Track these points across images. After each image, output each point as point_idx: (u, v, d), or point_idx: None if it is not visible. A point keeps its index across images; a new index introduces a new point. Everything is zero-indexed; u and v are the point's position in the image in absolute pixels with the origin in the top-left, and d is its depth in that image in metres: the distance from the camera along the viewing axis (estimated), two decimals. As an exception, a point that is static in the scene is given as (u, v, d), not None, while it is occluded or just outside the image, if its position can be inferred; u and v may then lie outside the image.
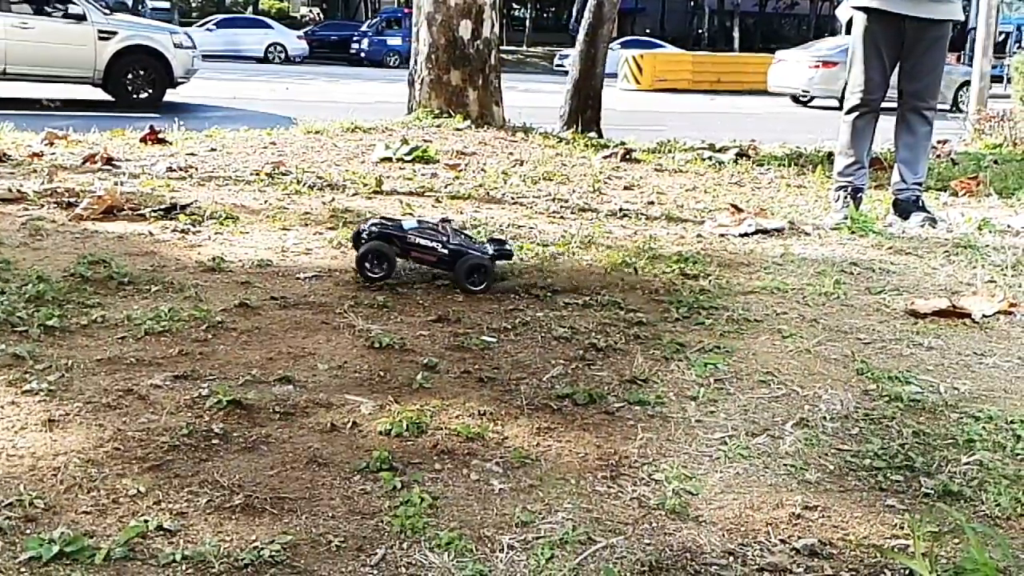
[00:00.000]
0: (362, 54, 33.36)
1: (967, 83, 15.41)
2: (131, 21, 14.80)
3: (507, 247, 3.54)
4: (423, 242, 3.36)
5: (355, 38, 34.41)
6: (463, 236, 3.50)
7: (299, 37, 33.79)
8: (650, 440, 2.24)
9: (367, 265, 3.33)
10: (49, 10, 12.67)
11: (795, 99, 21.45)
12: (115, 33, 12.75)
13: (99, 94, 12.95)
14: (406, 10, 37.40)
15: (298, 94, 16.79)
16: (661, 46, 31.55)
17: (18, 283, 3.16)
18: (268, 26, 33.45)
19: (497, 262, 3.46)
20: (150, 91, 12.91)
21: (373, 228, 3.41)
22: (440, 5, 7.90)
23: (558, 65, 33.25)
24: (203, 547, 1.70)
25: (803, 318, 3.20)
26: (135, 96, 12.75)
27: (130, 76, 12.82)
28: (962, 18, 5.04)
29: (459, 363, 2.68)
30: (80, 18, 12.61)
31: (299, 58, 32.07)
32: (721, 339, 2.95)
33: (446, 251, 3.35)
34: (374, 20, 36.18)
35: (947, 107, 17.28)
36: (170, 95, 13.18)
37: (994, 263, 4.02)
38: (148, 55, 12.90)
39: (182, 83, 13.24)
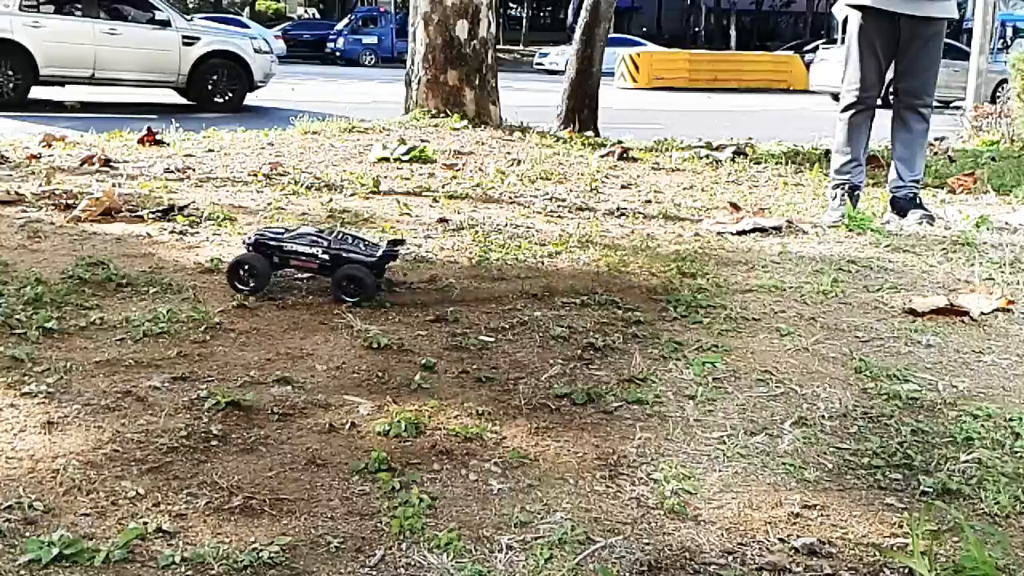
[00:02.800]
0: (337, 53, 33.31)
1: (1004, 80, 15.36)
2: (212, 27, 15.32)
3: (395, 249, 3.37)
4: (301, 249, 3.22)
5: (331, 37, 34.35)
6: (351, 240, 3.31)
7: (276, 36, 33.73)
8: (648, 439, 2.24)
9: (236, 277, 3.20)
10: (136, 16, 13.05)
11: (835, 97, 21.45)
12: (198, 39, 13.19)
13: (170, 96, 13.26)
14: (381, 9, 37.39)
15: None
16: (642, 44, 31.50)
17: (16, 285, 3.16)
18: (245, 25, 33.38)
19: (393, 263, 3.34)
20: (230, 95, 13.25)
21: (251, 238, 3.30)
22: (436, 5, 7.89)
23: (538, 64, 33.17)
24: (202, 549, 1.70)
25: (801, 316, 3.21)
26: (217, 100, 13.05)
27: (212, 80, 13.17)
28: (957, 16, 5.04)
29: (457, 363, 2.68)
30: (165, 24, 13.01)
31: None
32: (719, 338, 2.95)
33: (327, 256, 3.20)
34: (349, 19, 36.04)
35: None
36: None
37: (992, 260, 4.02)
38: (230, 60, 13.28)
39: (260, 87, 13.58)
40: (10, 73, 12.17)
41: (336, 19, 44.44)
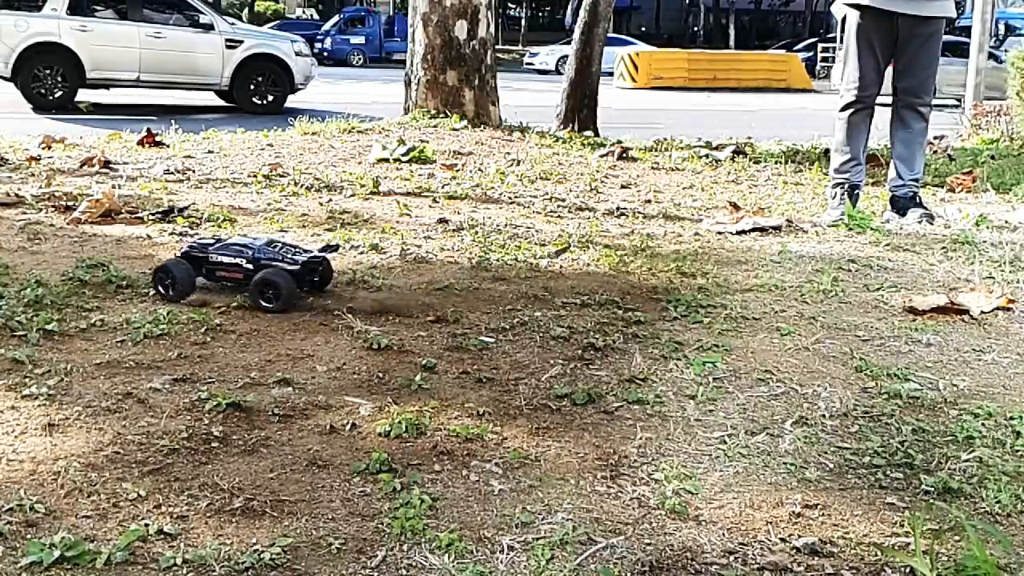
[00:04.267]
0: (325, 52, 33.24)
1: None
2: (254, 30, 15.46)
3: (318, 256, 3.27)
4: (226, 259, 3.20)
5: (318, 37, 34.26)
6: (281, 248, 3.28)
7: None
8: (649, 439, 2.24)
9: (159, 283, 3.17)
10: (180, 20, 13.21)
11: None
12: (241, 42, 13.37)
13: (209, 99, 13.45)
14: (370, 9, 37.28)
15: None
16: (633, 43, 31.46)
17: (16, 287, 3.16)
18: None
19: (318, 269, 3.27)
20: (272, 97, 13.40)
21: (184, 248, 3.29)
22: (435, 5, 7.89)
23: (528, 64, 33.10)
24: (204, 550, 1.70)
25: (801, 316, 3.21)
26: (258, 102, 13.19)
27: (255, 83, 13.33)
28: (955, 15, 5.04)
29: (458, 364, 2.68)
30: (208, 28, 13.19)
31: None
32: (719, 337, 2.95)
33: (250, 266, 3.17)
34: (336, 19, 35.95)
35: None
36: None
37: (992, 259, 4.02)
38: (271, 62, 13.42)
39: (300, 89, 13.70)
40: (58, 76, 12.37)
41: (334, 20, 44.46)
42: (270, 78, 13.41)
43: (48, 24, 12.31)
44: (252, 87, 13.31)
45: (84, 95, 12.70)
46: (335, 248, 3.41)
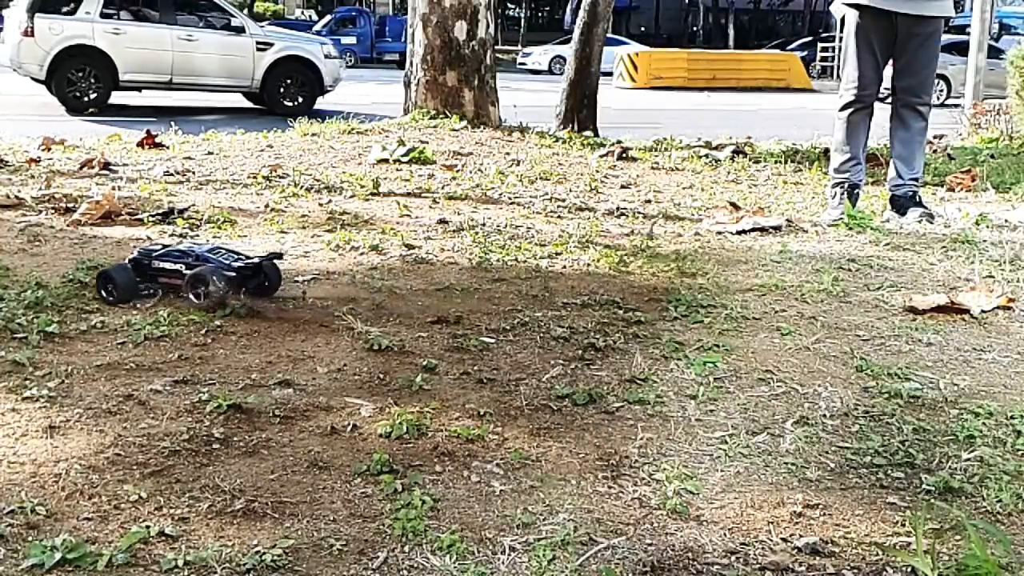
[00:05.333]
0: None
1: None
2: (284, 33, 15.55)
3: (251, 261, 3.23)
4: (167, 266, 3.21)
5: None
6: (223, 254, 3.25)
7: None
8: (650, 440, 2.24)
9: (101, 287, 3.17)
10: (212, 23, 13.35)
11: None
12: (271, 44, 13.49)
13: (236, 101, 13.54)
14: (361, 9, 37.15)
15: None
16: (626, 43, 31.43)
17: (17, 289, 3.16)
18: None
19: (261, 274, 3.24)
20: (301, 99, 13.47)
21: (133, 254, 3.29)
22: (435, 6, 7.89)
23: (520, 64, 33.03)
24: (205, 552, 1.70)
25: (802, 315, 3.21)
26: (288, 104, 13.24)
27: (285, 85, 13.43)
28: (954, 14, 5.04)
29: (458, 364, 2.68)
30: (239, 30, 13.35)
31: None
32: (720, 337, 2.95)
33: (190, 271, 3.17)
34: (327, 19, 35.82)
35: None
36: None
37: (992, 258, 4.02)
38: (301, 65, 13.53)
39: (329, 91, 13.78)
40: (91, 79, 12.48)
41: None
42: (300, 80, 13.52)
43: (82, 27, 12.46)
44: (282, 89, 13.41)
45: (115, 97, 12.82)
46: (279, 256, 3.37)
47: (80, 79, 12.44)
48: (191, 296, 3.09)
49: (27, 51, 12.32)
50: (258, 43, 13.33)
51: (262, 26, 14.56)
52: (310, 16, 48.49)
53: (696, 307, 3.24)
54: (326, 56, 13.75)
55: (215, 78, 13.19)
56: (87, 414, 2.26)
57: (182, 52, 12.91)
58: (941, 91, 18.46)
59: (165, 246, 3.39)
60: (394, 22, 35.20)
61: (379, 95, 14.16)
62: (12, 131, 7.61)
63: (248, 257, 3.29)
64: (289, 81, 13.45)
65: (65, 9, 12.56)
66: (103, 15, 12.57)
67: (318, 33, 34.18)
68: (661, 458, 2.15)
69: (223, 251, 3.31)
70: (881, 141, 6.17)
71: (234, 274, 3.15)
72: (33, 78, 12.65)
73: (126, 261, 3.28)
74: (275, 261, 3.31)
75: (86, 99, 12.42)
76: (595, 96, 9.74)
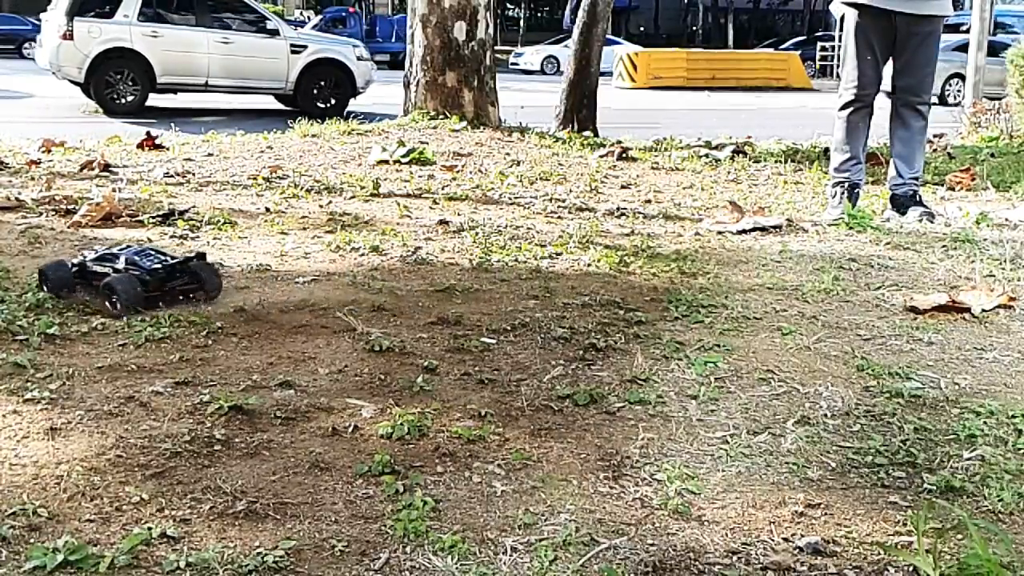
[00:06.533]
0: None
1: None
2: (317, 36, 15.82)
3: (165, 262, 3.20)
4: (99, 269, 3.21)
5: None
6: (151, 257, 3.23)
7: None
8: (651, 440, 2.24)
9: (42, 282, 3.19)
10: (247, 26, 13.54)
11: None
12: (305, 47, 13.64)
13: (267, 103, 13.64)
14: (351, 9, 37.06)
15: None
16: (619, 43, 31.39)
17: (18, 291, 3.17)
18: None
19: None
20: (334, 101, 13.60)
21: (79, 258, 3.30)
22: (434, 7, 7.89)
23: (512, 64, 32.98)
24: (207, 554, 1.70)
25: (802, 315, 3.21)
26: (321, 105, 13.32)
27: (318, 87, 13.57)
28: (952, 13, 5.03)
29: (459, 365, 2.68)
30: (274, 33, 13.52)
31: None
32: (721, 337, 2.95)
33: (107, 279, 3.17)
34: (317, 20, 35.75)
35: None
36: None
37: (992, 257, 4.02)
38: (334, 67, 13.68)
39: (361, 93, 13.92)
40: (129, 81, 12.63)
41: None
42: (333, 82, 13.64)
43: (120, 30, 12.60)
44: (315, 91, 13.52)
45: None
46: (201, 256, 3.32)
47: (118, 81, 12.59)
48: (107, 304, 3.06)
49: (66, 54, 12.49)
50: (292, 46, 13.46)
51: (295, 29, 14.82)
52: (308, 16, 48.50)
53: (697, 307, 3.24)
54: (358, 58, 13.89)
55: (250, 80, 13.34)
56: (88, 416, 2.26)
57: (218, 54, 13.08)
58: (959, 91, 18.40)
59: (108, 248, 3.38)
60: (384, 23, 35.20)
61: (377, 95, 14.13)
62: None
63: (172, 259, 3.25)
64: (323, 83, 13.59)
65: (103, 12, 12.70)
66: (141, 18, 12.72)
67: (307, 33, 34.27)
68: (662, 458, 2.15)
69: (152, 254, 3.28)
70: (881, 140, 6.17)
71: (146, 280, 3.10)
72: (72, 81, 12.80)
73: (74, 261, 3.28)
74: (214, 264, 3.27)
75: (123, 101, 12.56)
76: (595, 96, 9.74)
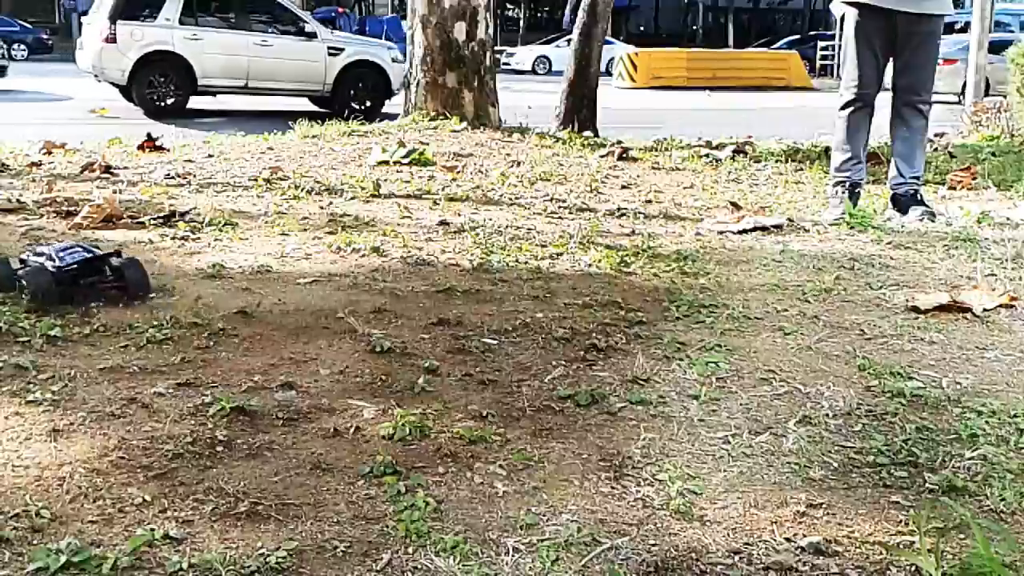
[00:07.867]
0: None
1: None
2: (353, 38, 16.09)
3: (71, 262, 3.16)
4: (31, 263, 3.20)
5: None
6: (74, 252, 3.19)
7: None
8: (653, 440, 2.24)
9: None
10: (285, 29, 13.70)
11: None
12: (343, 49, 13.82)
13: (302, 104, 13.65)
14: (339, 10, 36.99)
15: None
16: (611, 42, 31.34)
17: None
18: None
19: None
20: (370, 103, 13.70)
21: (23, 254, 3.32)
22: (434, 7, 7.90)
23: (505, 64, 32.89)
24: (209, 555, 1.70)
25: (803, 315, 3.21)
26: (358, 107, 13.34)
27: (355, 89, 13.70)
28: (952, 12, 5.04)
29: (460, 366, 2.68)
30: (312, 36, 13.67)
31: None
32: (722, 337, 2.95)
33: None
34: None
35: None
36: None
37: (994, 256, 4.02)
38: (370, 69, 13.85)
39: (396, 94, 13.88)
40: (171, 84, 12.78)
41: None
42: (369, 84, 13.75)
43: (162, 33, 12.74)
44: (352, 93, 13.58)
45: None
46: (117, 254, 3.28)
47: (160, 84, 12.70)
48: (24, 298, 3.06)
49: (109, 57, 12.61)
50: (329, 48, 13.60)
51: (332, 32, 14.96)
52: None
53: (698, 307, 3.24)
54: (393, 60, 13.98)
55: (289, 82, 13.47)
56: (90, 417, 2.26)
57: (257, 57, 13.21)
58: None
59: (50, 244, 3.37)
60: (374, 23, 35.19)
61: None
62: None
63: (100, 256, 3.23)
64: (360, 85, 13.69)
65: (145, 15, 12.80)
66: (182, 21, 12.84)
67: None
68: (664, 458, 2.15)
69: (80, 250, 3.25)
70: (882, 140, 6.17)
71: (58, 275, 3.09)
72: (114, 83, 12.90)
73: (18, 257, 3.30)
74: (141, 264, 3.24)
75: (165, 104, 12.67)
76: (595, 96, 9.74)
